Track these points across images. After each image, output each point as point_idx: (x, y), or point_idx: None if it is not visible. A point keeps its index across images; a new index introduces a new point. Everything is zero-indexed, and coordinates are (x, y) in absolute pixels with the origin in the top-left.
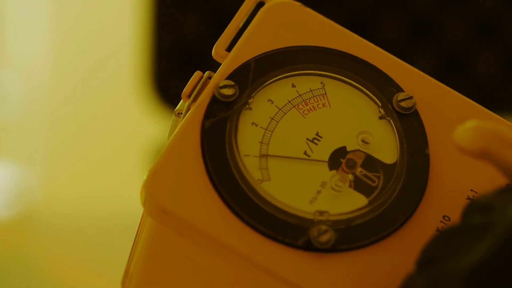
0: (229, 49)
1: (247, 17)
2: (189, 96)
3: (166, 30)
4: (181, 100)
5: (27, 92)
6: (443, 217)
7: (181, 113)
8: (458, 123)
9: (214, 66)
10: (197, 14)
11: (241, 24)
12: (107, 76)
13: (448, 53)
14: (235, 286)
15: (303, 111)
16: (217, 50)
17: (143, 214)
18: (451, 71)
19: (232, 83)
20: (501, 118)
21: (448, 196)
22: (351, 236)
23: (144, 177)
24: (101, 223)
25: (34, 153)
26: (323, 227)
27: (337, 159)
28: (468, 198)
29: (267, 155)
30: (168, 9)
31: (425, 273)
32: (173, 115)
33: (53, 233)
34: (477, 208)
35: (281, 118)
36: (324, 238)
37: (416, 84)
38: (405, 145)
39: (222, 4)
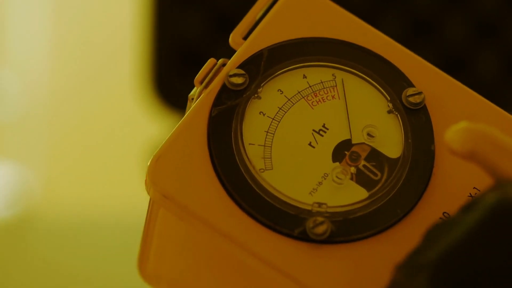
0: (246, 37)
1: (267, 6)
2: (201, 83)
3: (166, 30)
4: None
5: (27, 92)
6: (443, 213)
7: (194, 99)
8: (468, 120)
9: None
10: (197, 14)
11: (261, 12)
12: (107, 76)
13: (448, 53)
14: (232, 272)
15: (312, 102)
16: (234, 38)
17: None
18: (451, 71)
19: (242, 72)
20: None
21: (450, 193)
22: (349, 228)
23: (149, 162)
24: (101, 223)
25: (34, 153)
26: (320, 219)
27: (341, 151)
28: (470, 196)
29: (271, 145)
30: (168, 9)
31: (403, 266)
32: (188, 101)
33: (53, 233)
34: (464, 206)
35: (289, 109)
36: (320, 229)
37: (428, 79)
38: (410, 140)
39: (222, 4)
